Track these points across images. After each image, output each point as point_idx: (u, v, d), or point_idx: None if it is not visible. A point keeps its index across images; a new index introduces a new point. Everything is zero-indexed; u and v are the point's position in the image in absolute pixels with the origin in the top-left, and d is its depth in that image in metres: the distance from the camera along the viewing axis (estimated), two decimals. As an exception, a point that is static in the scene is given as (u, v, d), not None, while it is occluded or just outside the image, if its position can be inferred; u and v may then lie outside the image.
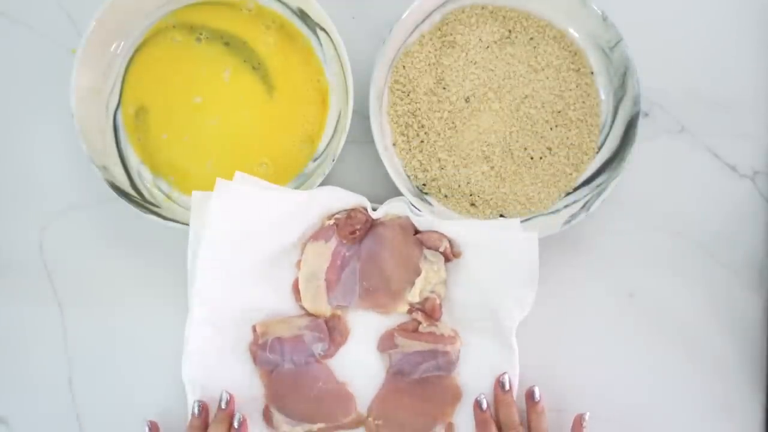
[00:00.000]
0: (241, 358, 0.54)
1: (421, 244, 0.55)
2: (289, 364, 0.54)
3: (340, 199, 0.54)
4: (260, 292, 0.54)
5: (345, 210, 0.55)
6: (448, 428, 0.54)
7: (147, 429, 0.54)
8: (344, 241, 0.55)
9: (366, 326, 0.55)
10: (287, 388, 0.54)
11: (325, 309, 0.55)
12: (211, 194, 0.52)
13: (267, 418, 0.54)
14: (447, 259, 0.55)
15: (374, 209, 0.55)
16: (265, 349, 0.54)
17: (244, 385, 0.54)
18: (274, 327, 0.54)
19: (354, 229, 0.54)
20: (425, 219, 0.54)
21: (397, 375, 0.55)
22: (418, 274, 0.54)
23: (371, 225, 0.55)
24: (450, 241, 0.54)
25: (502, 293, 0.53)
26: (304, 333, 0.54)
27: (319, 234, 0.55)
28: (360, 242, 0.55)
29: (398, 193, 0.55)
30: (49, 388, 0.57)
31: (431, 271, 0.54)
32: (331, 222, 0.55)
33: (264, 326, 0.54)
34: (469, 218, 0.57)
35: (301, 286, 0.55)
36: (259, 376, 0.55)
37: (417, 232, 0.55)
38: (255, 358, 0.54)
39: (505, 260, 0.53)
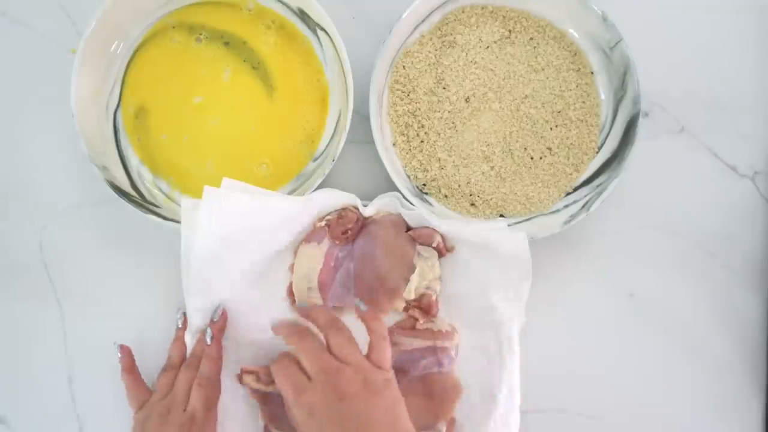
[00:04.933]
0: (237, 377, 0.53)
1: (414, 240, 0.54)
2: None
3: (331, 199, 0.54)
4: (254, 300, 0.53)
5: (336, 210, 0.55)
6: (450, 423, 0.54)
7: (118, 352, 0.53)
8: (337, 242, 0.54)
9: (363, 327, 0.55)
10: (282, 408, 0.52)
11: None
12: (200, 202, 0.51)
13: None
14: (440, 255, 0.55)
15: (365, 205, 0.55)
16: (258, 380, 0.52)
17: (241, 404, 0.53)
18: None
19: (346, 229, 0.54)
20: (416, 213, 0.54)
21: (397, 373, 0.54)
22: (413, 271, 0.54)
23: (363, 224, 0.55)
24: (442, 236, 0.54)
25: (497, 284, 0.53)
26: None
27: (311, 236, 0.54)
28: (353, 242, 0.55)
29: (398, 194, 0.55)
30: (49, 388, 0.57)
31: (426, 267, 0.54)
32: (323, 224, 0.54)
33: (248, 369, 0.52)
34: (468, 218, 0.57)
35: (295, 290, 0.54)
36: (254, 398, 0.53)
37: (409, 228, 0.55)
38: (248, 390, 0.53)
39: (496, 252, 0.53)
